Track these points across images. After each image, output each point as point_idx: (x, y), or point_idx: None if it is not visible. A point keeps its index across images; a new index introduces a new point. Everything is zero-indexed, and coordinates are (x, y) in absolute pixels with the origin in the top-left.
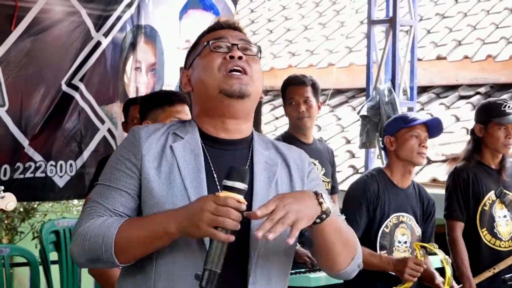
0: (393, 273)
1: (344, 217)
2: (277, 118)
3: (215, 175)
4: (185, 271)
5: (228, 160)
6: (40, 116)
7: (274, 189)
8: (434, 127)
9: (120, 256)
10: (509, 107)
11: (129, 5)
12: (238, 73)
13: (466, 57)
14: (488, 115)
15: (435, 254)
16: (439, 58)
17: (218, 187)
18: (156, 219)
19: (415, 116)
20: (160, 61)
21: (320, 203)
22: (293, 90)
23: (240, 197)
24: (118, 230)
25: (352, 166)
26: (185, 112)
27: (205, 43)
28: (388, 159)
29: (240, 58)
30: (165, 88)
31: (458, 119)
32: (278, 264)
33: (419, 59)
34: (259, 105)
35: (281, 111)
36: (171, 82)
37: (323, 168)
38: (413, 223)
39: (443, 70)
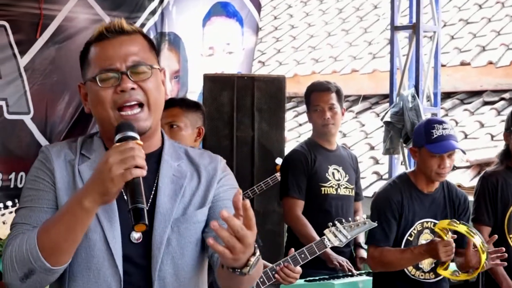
0: (415, 276)
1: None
2: (300, 125)
3: (123, 193)
4: None
5: None
6: (65, 124)
7: (180, 202)
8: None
9: (50, 258)
10: None
11: (152, 13)
12: (132, 112)
13: (490, 63)
14: (510, 123)
15: (458, 231)
16: (463, 64)
17: (128, 205)
18: (67, 205)
19: (440, 133)
20: (183, 68)
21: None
22: (318, 96)
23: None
24: (37, 234)
25: (376, 173)
26: (178, 116)
27: (94, 75)
28: (416, 165)
29: (133, 89)
30: (188, 95)
31: (482, 125)
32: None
33: (442, 65)
34: (282, 111)
35: (304, 117)
36: (195, 89)
37: (347, 175)
38: None
39: (467, 76)
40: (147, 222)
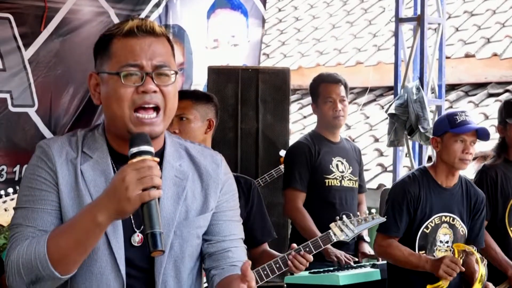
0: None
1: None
2: (305, 117)
3: None
4: None
5: None
6: (69, 116)
7: (182, 205)
8: (481, 133)
9: (59, 268)
10: None
11: (157, 5)
12: (148, 116)
13: (495, 55)
14: (504, 115)
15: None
16: (467, 56)
17: (145, 229)
18: (80, 217)
19: (463, 119)
20: (188, 60)
21: None
22: (329, 88)
23: (151, 157)
24: (47, 242)
25: (381, 165)
26: (187, 109)
27: (117, 70)
28: (435, 158)
29: (154, 92)
30: (193, 87)
31: (487, 117)
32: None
33: (447, 57)
34: (287, 103)
35: (309, 109)
36: (199, 81)
37: (350, 167)
38: (457, 223)
39: (471, 68)
40: (164, 249)
